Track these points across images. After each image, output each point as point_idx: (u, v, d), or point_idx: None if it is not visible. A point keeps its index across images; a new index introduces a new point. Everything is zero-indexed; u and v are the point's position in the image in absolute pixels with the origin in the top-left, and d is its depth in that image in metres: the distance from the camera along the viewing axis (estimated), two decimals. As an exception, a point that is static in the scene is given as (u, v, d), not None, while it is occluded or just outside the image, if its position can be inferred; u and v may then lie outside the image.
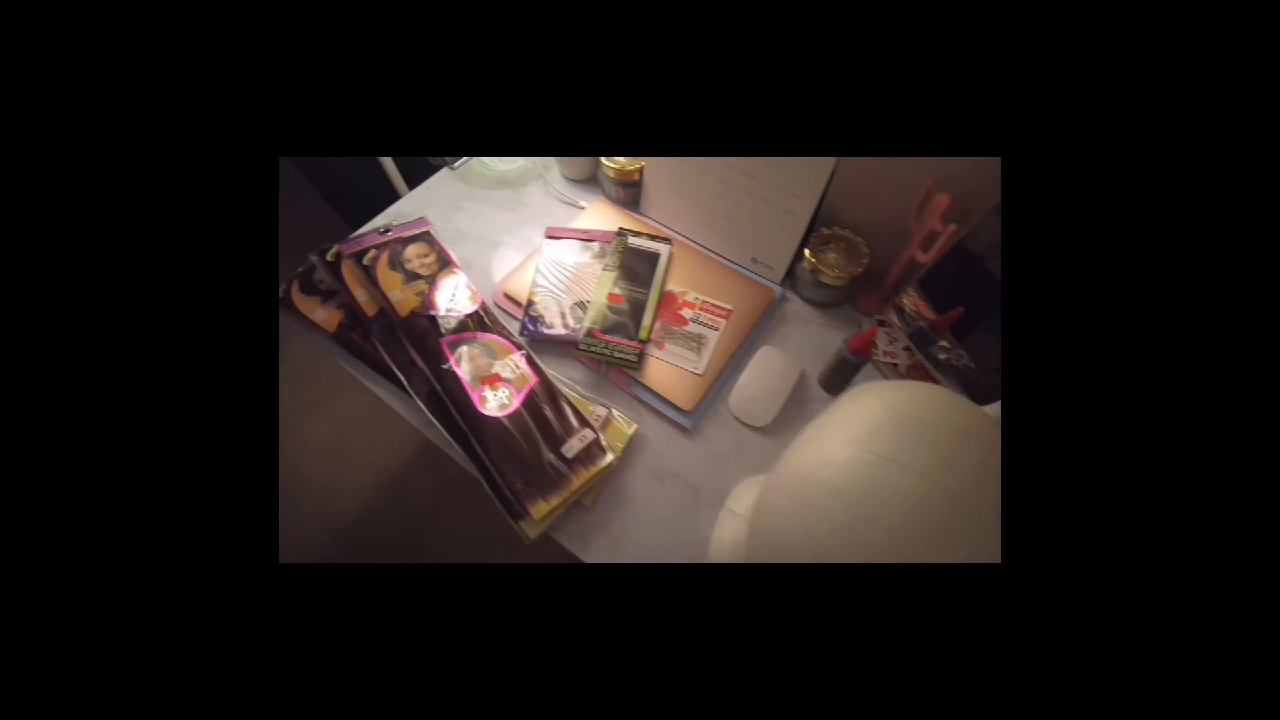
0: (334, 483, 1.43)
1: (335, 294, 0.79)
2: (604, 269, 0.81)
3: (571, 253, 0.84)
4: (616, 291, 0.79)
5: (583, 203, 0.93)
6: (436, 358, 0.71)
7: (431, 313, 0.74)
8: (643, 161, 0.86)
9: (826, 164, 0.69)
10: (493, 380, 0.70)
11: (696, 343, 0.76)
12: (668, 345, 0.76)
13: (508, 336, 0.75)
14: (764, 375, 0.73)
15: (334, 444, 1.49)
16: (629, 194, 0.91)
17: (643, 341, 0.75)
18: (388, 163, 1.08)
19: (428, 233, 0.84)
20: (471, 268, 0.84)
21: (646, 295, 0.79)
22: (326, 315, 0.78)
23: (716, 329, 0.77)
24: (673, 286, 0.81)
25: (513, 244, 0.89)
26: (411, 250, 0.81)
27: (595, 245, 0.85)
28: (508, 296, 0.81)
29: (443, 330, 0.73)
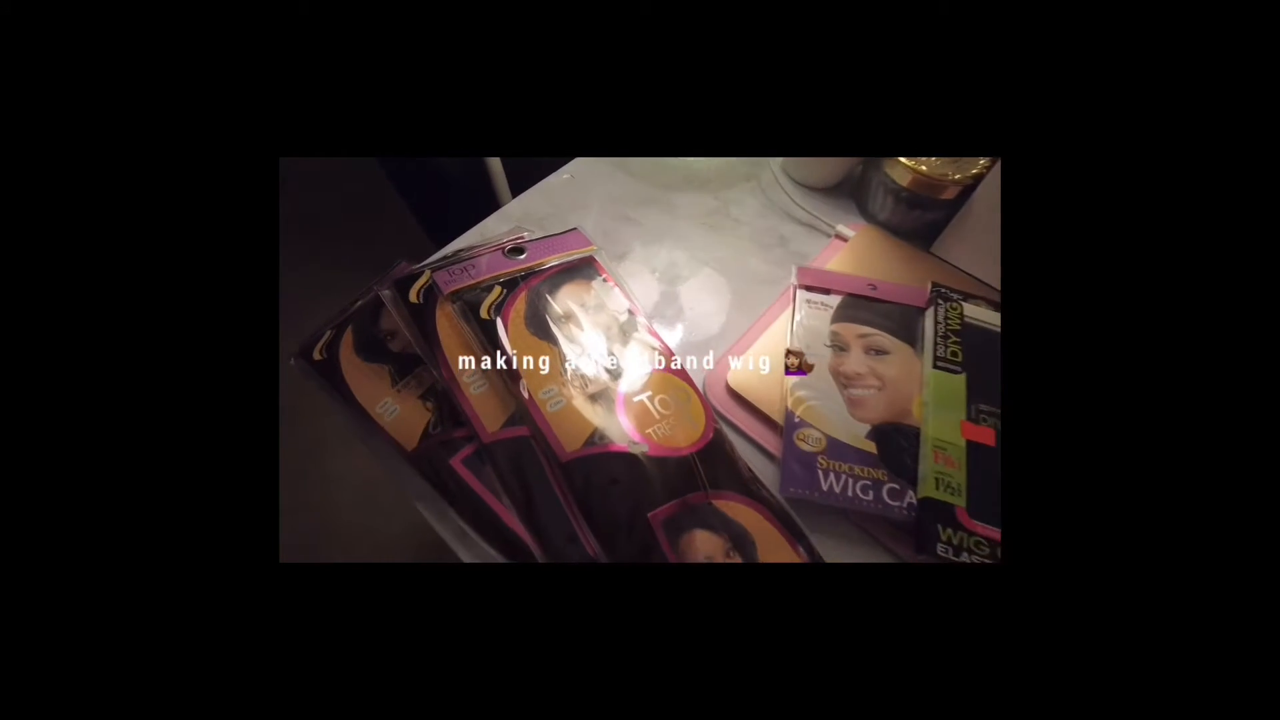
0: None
1: (414, 368, 0.41)
2: (937, 365, 0.42)
3: (850, 321, 0.45)
4: (975, 419, 0.40)
5: (842, 227, 0.54)
6: (638, 545, 0.33)
7: (614, 448, 0.36)
8: (983, 162, 0.47)
9: None
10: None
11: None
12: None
13: (759, 499, 0.37)
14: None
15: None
16: (919, 219, 0.52)
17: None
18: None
19: (592, 259, 0.45)
20: (661, 330, 0.46)
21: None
22: (401, 410, 0.40)
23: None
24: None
25: (724, 289, 0.50)
26: (567, 293, 0.42)
27: (894, 311, 0.46)
28: (735, 395, 0.43)
29: (651, 483, 0.35)
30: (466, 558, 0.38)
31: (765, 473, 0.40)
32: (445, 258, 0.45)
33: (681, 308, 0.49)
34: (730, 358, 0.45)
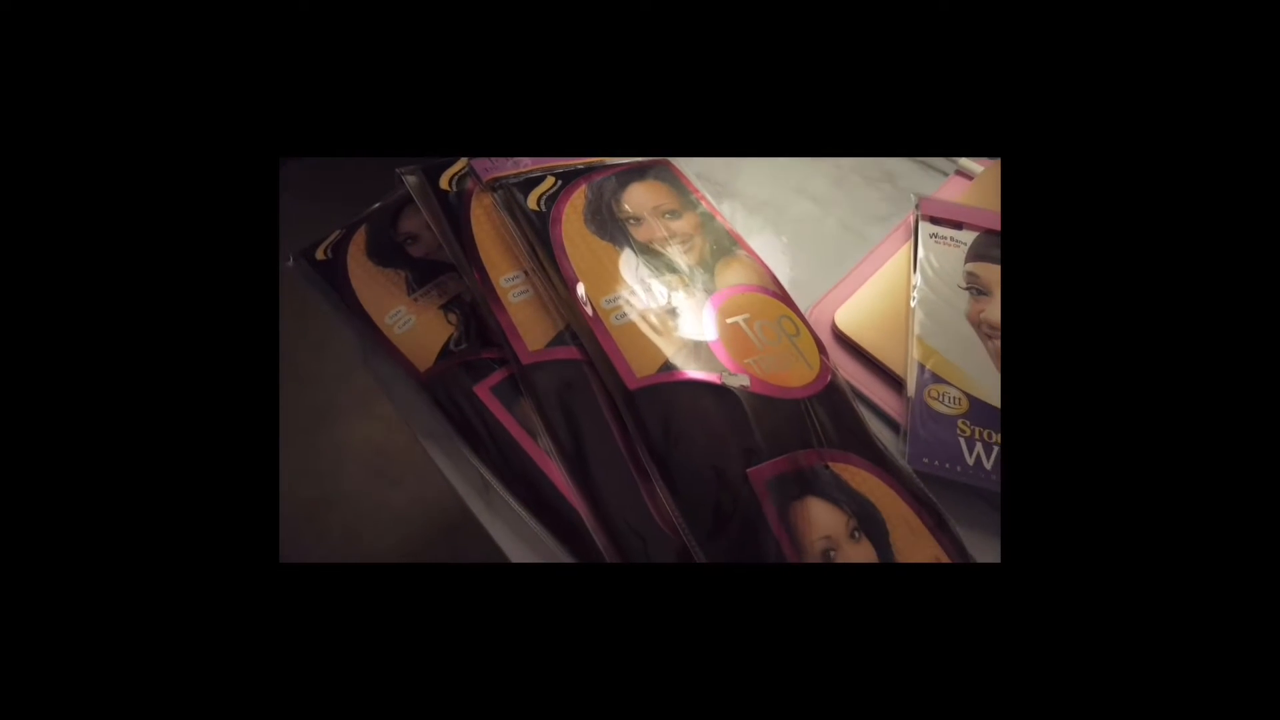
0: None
1: (443, 273, 0.32)
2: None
3: (989, 260, 0.35)
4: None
5: (966, 161, 0.44)
6: (735, 509, 0.23)
7: (702, 377, 0.27)
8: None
9: None
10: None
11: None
12: None
13: (881, 461, 0.27)
14: None
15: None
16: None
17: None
18: None
19: (667, 163, 0.36)
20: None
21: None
22: (417, 322, 0.31)
23: None
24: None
25: (835, 226, 0.41)
26: (640, 194, 0.33)
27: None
28: (843, 337, 0.33)
29: (753, 430, 0.25)
30: (486, 518, 0.28)
31: (885, 439, 0.30)
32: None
33: (775, 242, 0.39)
34: (836, 297, 0.35)
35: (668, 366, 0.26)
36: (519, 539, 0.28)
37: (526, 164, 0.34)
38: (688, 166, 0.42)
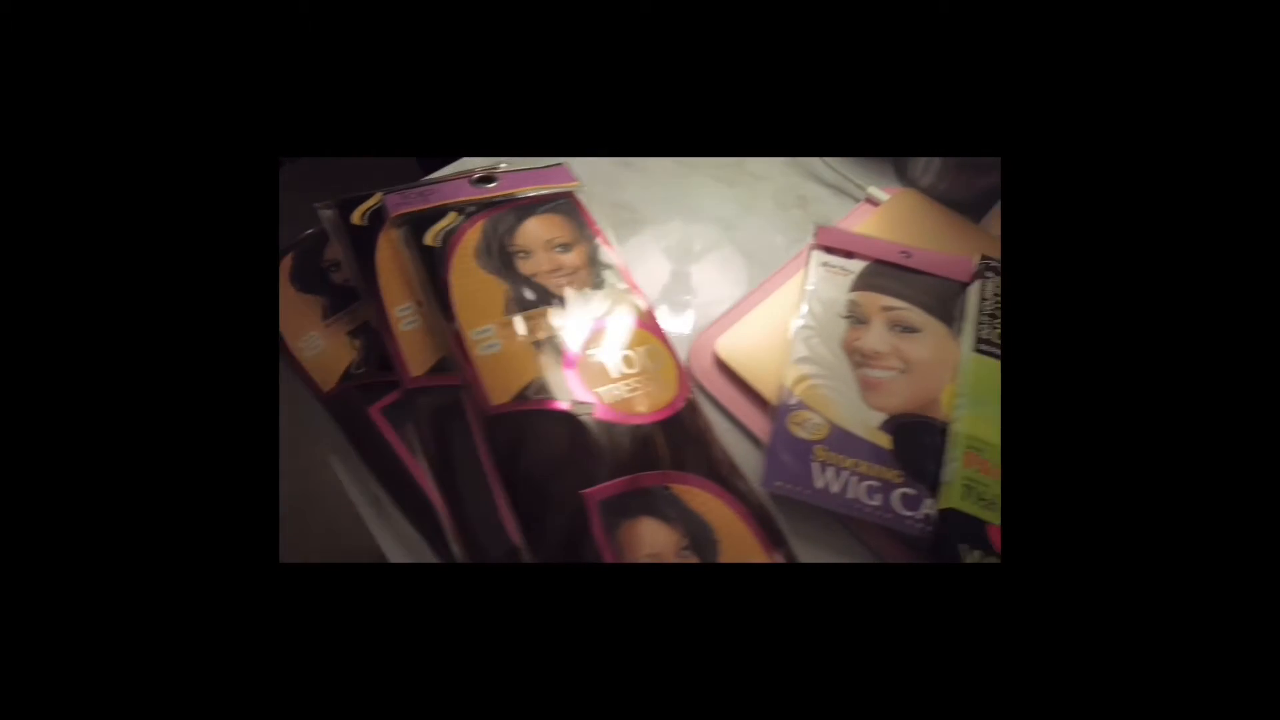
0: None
1: (352, 301, 0.36)
2: (980, 348, 0.34)
3: (876, 291, 0.37)
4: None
5: (874, 189, 0.46)
6: (564, 528, 0.26)
7: (553, 405, 0.29)
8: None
9: None
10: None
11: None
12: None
13: (740, 495, 0.29)
14: None
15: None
16: (969, 185, 0.44)
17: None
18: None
19: (570, 196, 0.39)
20: (656, 296, 0.39)
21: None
22: (324, 346, 0.34)
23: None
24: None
25: (735, 253, 0.43)
26: (534, 228, 0.36)
27: (930, 283, 0.38)
28: (724, 367, 0.35)
29: (595, 454, 0.28)
30: (376, 527, 0.31)
31: (750, 463, 0.32)
32: (408, 185, 0.40)
33: (675, 269, 0.42)
34: (723, 324, 0.37)
35: (523, 395, 0.28)
36: (400, 544, 0.31)
37: (443, 198, 0.37)
38: (609, 194, 0.45)
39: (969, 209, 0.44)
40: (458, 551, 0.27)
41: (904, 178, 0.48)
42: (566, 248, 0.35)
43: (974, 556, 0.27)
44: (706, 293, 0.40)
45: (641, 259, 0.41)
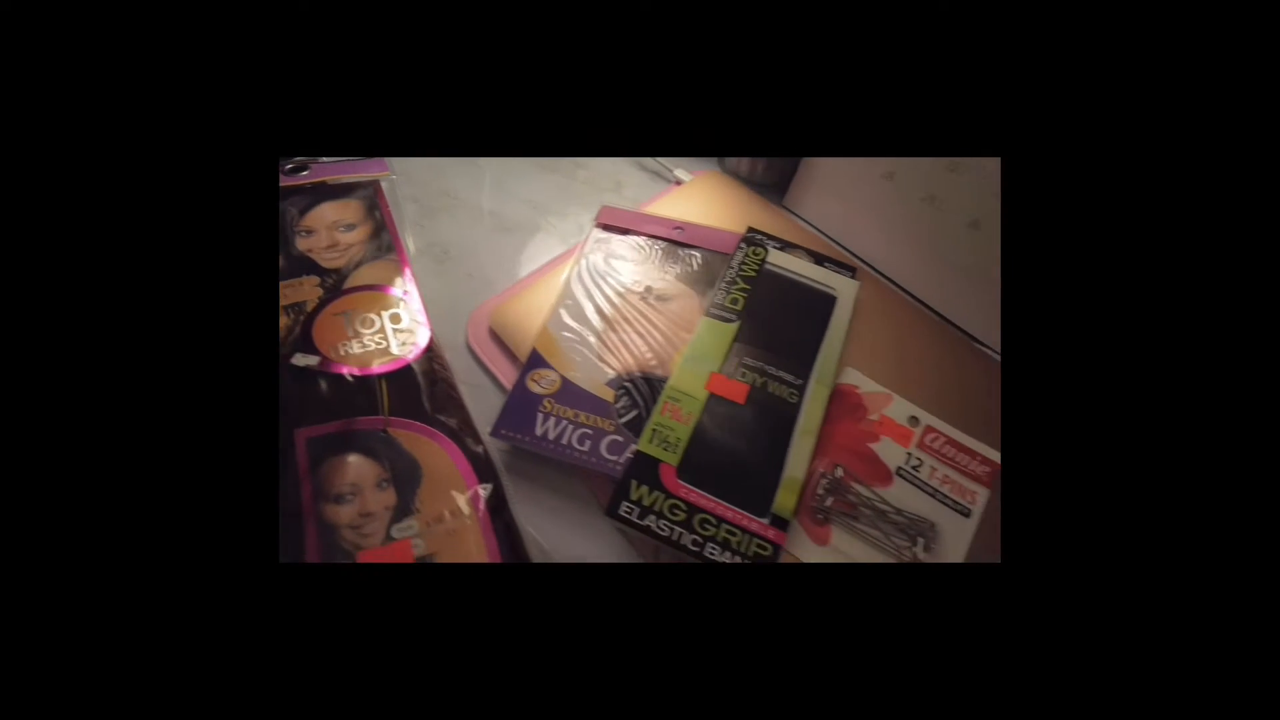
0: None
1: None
2: (710, 311, 0.37)
3: (643, 263, 0.40)
4: (732, 373, 0.34)
5: (681, 171, 0.49)
6: (284, 469, 0.30)
7: (304, 361, 0.33)
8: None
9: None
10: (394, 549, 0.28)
11: (919, 533, 0.30)
12: (837, 535, 0.30)
13: (458, 438, 0.33)
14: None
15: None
16: (773, 169, 0.47)
17: (780, 519, 0.30)
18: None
19: (376, 185, 0.43)
20: (458, 272, 0.43)
21: (801, 391, 0.34)
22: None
23: (969, 506, 0.31)
24: (857, 379, 0.35)
25: (551, 235, 0.46)
26: (326, 211, 0.40)
27: (696, 255, 0.40)
28: (497, 337, 0.39)
29: (317, 401, 0.32)
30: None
31: (487, 410, 0.35)
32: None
33: (481, 248, 0.45)
34: (504, 297, 0.41)
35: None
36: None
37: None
38: (431, 183, 0.48)
39: (778, 191, 0.47)
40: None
41: (724, 164, 0.50)
42: (351, 227, 0.39)
43: (639, 493, 0.30)
44: (499, 269, 0.44)
45: (447, 240, 0.45)
